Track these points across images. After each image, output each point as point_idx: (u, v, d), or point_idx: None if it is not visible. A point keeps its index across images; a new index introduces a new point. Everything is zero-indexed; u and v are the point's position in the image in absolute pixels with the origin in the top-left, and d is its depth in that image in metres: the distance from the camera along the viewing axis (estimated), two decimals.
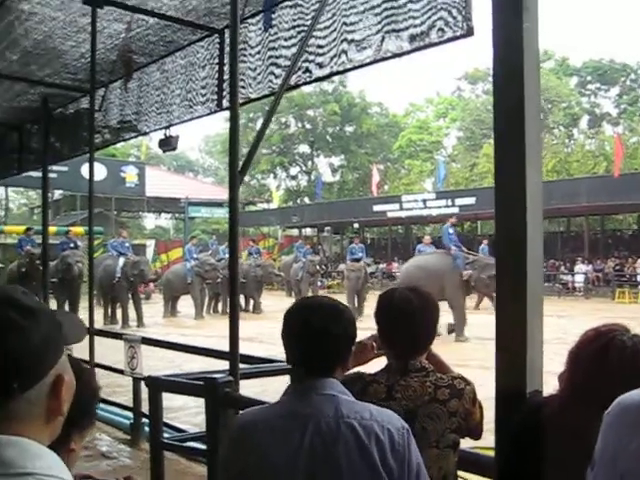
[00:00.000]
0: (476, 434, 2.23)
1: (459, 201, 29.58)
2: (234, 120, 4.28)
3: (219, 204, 38.35)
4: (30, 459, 0.99)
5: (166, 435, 5.15)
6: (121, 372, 6.91)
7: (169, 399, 6.50)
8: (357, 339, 1.96)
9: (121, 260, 18.84)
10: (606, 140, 40.73)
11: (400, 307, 2.16)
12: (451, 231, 16.92)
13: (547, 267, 30.66)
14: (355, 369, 2.24)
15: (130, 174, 36.14)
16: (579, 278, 28.64)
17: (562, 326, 13.06)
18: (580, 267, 28.88)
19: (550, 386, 2.08)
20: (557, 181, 32.49)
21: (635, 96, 49.10)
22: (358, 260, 21.35)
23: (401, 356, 2.16)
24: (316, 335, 1.82)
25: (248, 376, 4.54)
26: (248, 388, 6.68)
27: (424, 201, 31.96)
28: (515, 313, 2.26)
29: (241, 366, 4.16)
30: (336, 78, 47.39)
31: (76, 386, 1.18)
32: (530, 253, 2.27)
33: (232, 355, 3.97)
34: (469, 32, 3.75)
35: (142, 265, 19.02)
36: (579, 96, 49.16)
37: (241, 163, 4.28)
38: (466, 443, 2.24)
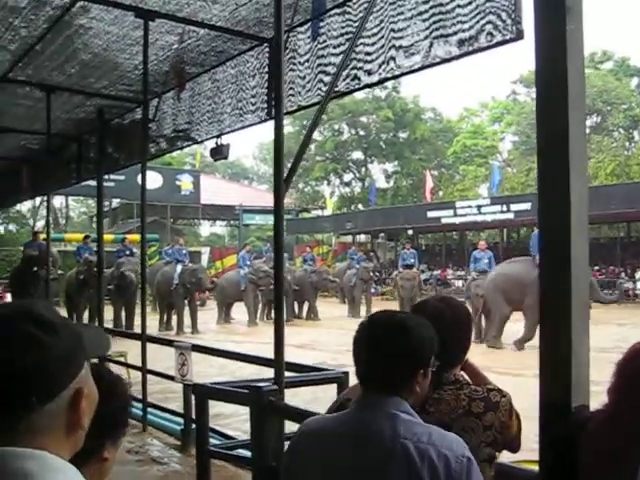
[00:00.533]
0: (514, 447, 2.19)
1: (514, 207, 29.07)
2: (278, 129, 4.29)
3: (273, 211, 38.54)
4: (51, 472, 1.00)
5: (215, 442, 5.20)
6: (172, 378, 6.99)
7: (221, 405, 6.56)
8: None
9: (179, 267, 19.01)
10: None
11: (432, 319, 2.13)
12: None
13: (607, 274, 29.94)
14: None
15: (185, 182, 36.69)
16: None
17: (622, 334, 12.71)
18: None
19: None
20: (616, 185, 31.72)
21: None
22: (410, 267, 20.85)
23: (436, 370, 2.12)
24: (378, 351, 1.81)
25: (294, 385, 4.53)
26: (300, 396, 6.72)
27: (478, 207, 31.54)
28: (560, 325, 2.20)
29: (287, 374, 4.15)
30: (389, 84, 47.35)
31: (108, 397, 1.18)
32: (575, 264, 2.20)
33: (277, 363, 3.97)
34: (519, 35, 3.69)
35: (200, 273, 19.18)
36: None
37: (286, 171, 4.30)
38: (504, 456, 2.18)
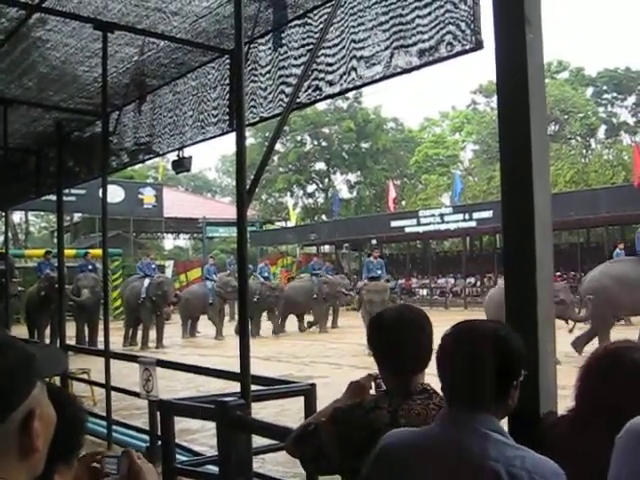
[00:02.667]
0: None
1: (476, 215, 29.40)
2: (240, 141, 4.26)
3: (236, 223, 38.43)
4: None
5: (182, 458, 5.12)
6: (137, 395, 6.89)
7: (188, 421, 6.47)
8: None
9: (146, 281, 18.91)
10: (624, 149, 40.44)
11: (390, 326, 2.10)
12: None
13: (567, 279, 30.39)
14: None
15: (148, 195, 36.43)
16: None
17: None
18: None
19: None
20: (575, 192, 32.26)
21: None
22: (377, 278, 17.94)
23: (400, 378, 2.10)
24: (469, 365, 1.70)
25: (260, 398, 4.47)
26: (267, 409, 6.66)
27: (441, 215, 31.82)
28: (526, 332, 2.19)
29: (254, 387, 4.11)
30: (351, 95, 47.63)
31: (59, 419, 1.14)
32: (540, 271, 2.21)
33: (243, 377, 3.92)
34: (478, 45, 3.72)
35: (165, 286, 18.97)
36: (595, 106, 48.82)
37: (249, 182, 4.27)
38: None
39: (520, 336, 1.79)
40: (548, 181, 2.41)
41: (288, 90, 5.08)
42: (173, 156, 7.08)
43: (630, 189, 26.73)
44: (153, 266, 20.12)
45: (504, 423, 1.80)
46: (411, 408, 2.04)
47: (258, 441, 4.02)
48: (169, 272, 33.29)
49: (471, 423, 1.66)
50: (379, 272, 18.38)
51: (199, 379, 8.58)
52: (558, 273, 30.47)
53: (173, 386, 9.02)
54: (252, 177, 4.41)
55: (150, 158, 7.67)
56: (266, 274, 22.73)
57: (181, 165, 6.99)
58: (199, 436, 7.44)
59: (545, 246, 2.27)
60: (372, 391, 2.28)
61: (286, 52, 5.21)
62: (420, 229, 32.33)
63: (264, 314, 21.55)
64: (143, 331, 18.76)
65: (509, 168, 2.38)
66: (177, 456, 4.70)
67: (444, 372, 1.77)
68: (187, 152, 6.88)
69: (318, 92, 4.89)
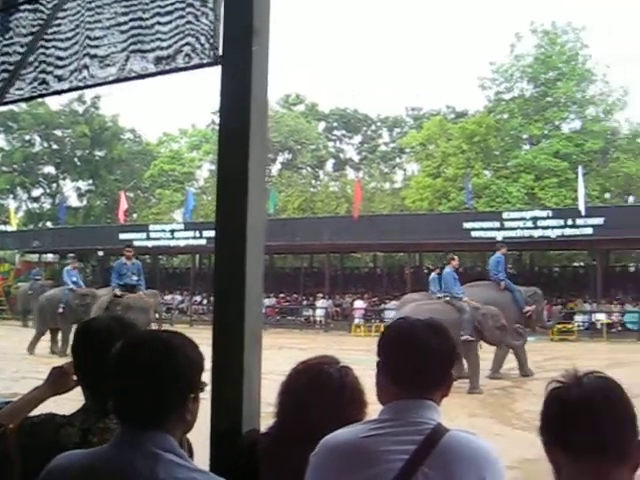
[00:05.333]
0: None
1: (206, 233, 29.70)
2: None
3: None
4: None
5: None
6: None
7: None
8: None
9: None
10: (348, 183, 43.71)
11: (102, 337, 1.96)
12: (501, 261, 15.12)
13: (290, 301, 31.80)
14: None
15: None
16: (320, 312, 29.97)
17: (298, 357, 13.45)
18: (321, 302, 30.28)
19: None
20: (302, 219, 34.05)
21: (375, 145, 53.37)
22: (133, 287, 14.80)
23: (102, 396, 1.95)
24: (133, 379, 1.55)
25: None
26: None
27: (172, 231, 31.71)
28: (232, 353, 2.18)
29: None
30: (88, 99, 45.77)
31: None
32: (249, 295, 2.22)
33: None
34: (216, 61, 3.71)
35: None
36: (326, 140, 52.22)
37: None
38: None
39: (195, 345, 1.67)
40: (264, 204, 2.44)
41: (16, 82, 4.66)
42: None
43: (350, 220, 28.87)
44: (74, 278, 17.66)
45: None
46: (107, 428, 1.88)
47: None
48: None
49: (143, 443, 1.53)
50: (135, 278, 14.72)
51: None
52: (282, 295, 31.81)
53: None
54: None
55: None
56: (74, 278, 18.48)
57: None
58: None
59: (256, 267, 2.29)
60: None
61: (11, 38, 4.79)
62: (150, 244, 31.82)
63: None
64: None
65: (225, 182, 2.37)
66: None
67: (114, 386, 1.61)
68: None
69: (45, 86, 4.53)
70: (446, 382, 1.81)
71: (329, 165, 52.94)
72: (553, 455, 1.46)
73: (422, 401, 1.73)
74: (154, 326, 14.45)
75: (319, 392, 1.91)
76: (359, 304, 29.58)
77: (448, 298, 13.55)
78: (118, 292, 14.07)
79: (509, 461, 6.99)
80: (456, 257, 14.36)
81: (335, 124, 53.71)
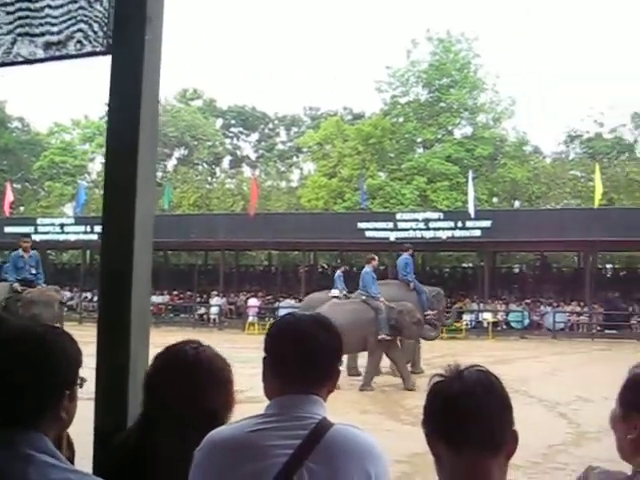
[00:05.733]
0: None
1: (98, 228, 28.76)
2: None
3: None
4: None
5: None
6: None
7: None
8: None
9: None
10: (244, 181, 43.51)
11: None
12: (409, 262, 15.42)
13: (184, 298, 31.36)
14: None
15: None
16: (214, 310, 29.67)
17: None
18: (216, 299, 29.99)
19: None
20: (197, 215, 33.64)
21: (272, 143, 53.47)
22: (31, 282, 12.98)
23: None
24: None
25: None
26: None
27: (62, 225, 30.59)
28: (117, 350, 2.13)
29: None
30: None
31: None
32: (135, 292, 2.17)
33: None
34: (108, 49, 3.61)
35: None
36: (223, 137, 51.84)
37: None
38: None
39: (73, 340, 1.61)
40: (154, 196, 2.40)
41: None
42: None
43: (246, 218, 28.77)
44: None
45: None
46: None
47: None
48: None
49: (16, 444, 1.45)
50: (33, 272, 13.27)
51: None
52: (176, 292, 31.32)
53: None
54: None
55: None
56: None
57: None
58: None
59: (144, 263, 2.25)
60: None
61: None
62: (38, 237, 30.54)
63: None
64: None
65: (113, 176, 2.32)
66: None
67: None
68: None
69: None
70: (332, 377, 1.83)
71: (226, 162, 52.63)
72: (435, 447, 1.49)
73: (308, 396, 1.74)
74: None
75: (173, 371, 1.86)
76: (253, 302, 29.52)
77: (364, 297, 13.71)
78: (18, 287, 12.75)
79: (398, 455, 7.18)
80: (376, 257, 14.54)
81: (233, 121, 53.43)
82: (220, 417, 1.82)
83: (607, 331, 26.03)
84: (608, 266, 37.37)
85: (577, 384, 13.21)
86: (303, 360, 1.75)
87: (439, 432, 1.48)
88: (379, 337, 12.76)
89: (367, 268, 14.04)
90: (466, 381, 1.49)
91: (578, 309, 27.28)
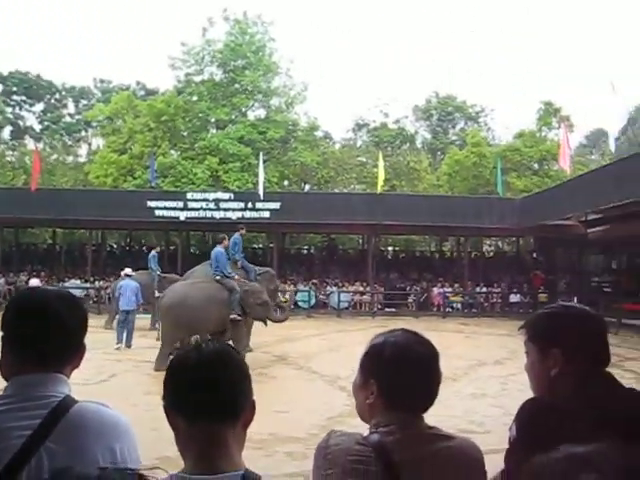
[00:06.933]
0: None
1: None
2: None
3: None
4: None
5: None
6: None
7: None
8: None
9: None
10: (27, 154, 40.83)
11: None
12: (239, 242, 15.01)
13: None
14: None
15: None
16: None
17: None
18: None
19: None
20: None
21: (59, 115, 50.59)
22: None
23: None
24: None
25: None
26: None
27: None
28: None
29: None
30: None
31: None
32: None
33: None
34: None
35: None
36: (4, 105, 48.10)
37: None
38: None
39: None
40: None
41: None
42: None
43: (28, 193, 27.11)
44: None
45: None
46: None
47: None
48: None
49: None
50: None
51: None
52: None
53: None
54: None
55: None
56: None
57: None
58: None
59: None
60: None
61: None
62: None
63: None
64: None
65: None
66: None
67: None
68: None
69: None
70: (77, 354, 1.81)
71: (6, 132, 48.97)
72: (173, 419, 1.49)
73: (49, 374, 1.71)
74: None
75: None
76: (35, 282, 27.83)
77: (219, 277, 13.54)
78: None
79: None
80: (226, 237, 14.38)
81: (15, 88, 49.73)
82: None
83: (387, 309, 27.82)
84: (389, 248, 39.85)
85: (357, 359, 13.94)
86: (43, 336, 1.71)
87: (176, 404, 1.49)
88: (230, 317, 12.77)
89: (219, 248, 13.94)
90: (203, 352, 1.50)
91: (361, 289, 28.87)
